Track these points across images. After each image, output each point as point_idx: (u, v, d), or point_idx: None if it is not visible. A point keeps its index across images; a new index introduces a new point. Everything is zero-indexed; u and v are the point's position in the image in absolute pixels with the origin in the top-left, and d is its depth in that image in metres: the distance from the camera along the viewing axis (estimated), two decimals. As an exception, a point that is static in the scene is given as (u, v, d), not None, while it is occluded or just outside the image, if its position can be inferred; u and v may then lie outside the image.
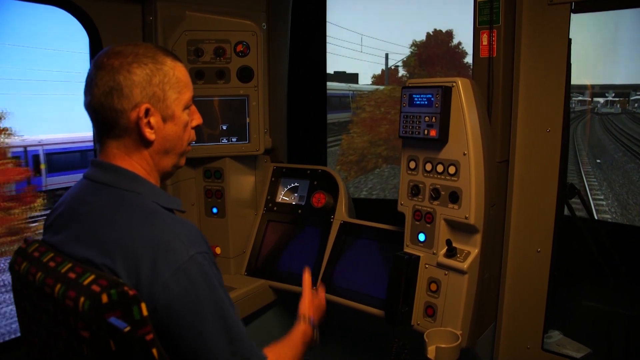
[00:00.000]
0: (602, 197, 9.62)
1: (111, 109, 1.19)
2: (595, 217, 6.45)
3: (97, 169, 1.26)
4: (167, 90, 1.24)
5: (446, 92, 1.69)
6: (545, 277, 1.86)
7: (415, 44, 13.54)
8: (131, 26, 2.18)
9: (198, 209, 2.43)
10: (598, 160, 12.12)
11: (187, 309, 1.12)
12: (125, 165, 1.25)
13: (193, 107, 1.35)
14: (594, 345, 2.03)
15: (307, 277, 1.83)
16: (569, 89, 1.82)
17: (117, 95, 1.18)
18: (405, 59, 13.86)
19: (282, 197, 2.51)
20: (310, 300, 1.74)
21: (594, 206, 8.75)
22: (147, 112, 1.21)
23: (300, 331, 1.55)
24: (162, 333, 1.11)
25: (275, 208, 2.51)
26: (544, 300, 1.87)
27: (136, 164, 1.26)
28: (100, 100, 1.19)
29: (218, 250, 2.44)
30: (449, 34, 12.99)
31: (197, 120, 1.37)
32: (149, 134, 1.23)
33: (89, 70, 1.22)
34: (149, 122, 1.22)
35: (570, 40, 1.76)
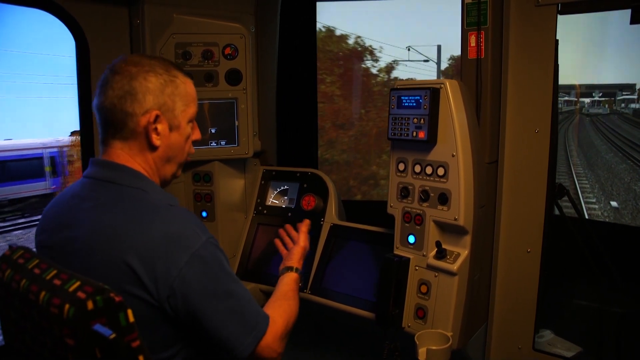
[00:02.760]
0: (594, 200, 9.38)
1: (122, 110, 1.25)
2: (586, 217, 6.46)
3: (99, 167, 1.29)
4: (177, 102, 1.32)
5: (434, 94, 1.69)
6: (536, 277, 1.87)
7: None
8: (118, 29, 2.17)
9: (188, 213, 2.41)
10: (614, 204, 9.24)
11: (203, 292, 1.19)
12: (129, 165, 1.29)
13: (195, 123, 1.44)
14: (585, 344, 2.04)
15: (304, 228, 1.98)
16: (557, 90, 1.83)
17: (131, 99, 1.25)
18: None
19: (272, 200, 2.50)
20: (302, 255, 1.88)
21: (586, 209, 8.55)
22: (156, 118, 1.27)
23: (293, 281, 1.69)
24: (179, 313, 1.18)
25: (265, 211, 2.50)
26: (534, 300, 1.88)
27: (139, 165, 1.31)
28: (114, 102, 1.25)
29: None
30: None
31: (197, 135, 1.47)
32: (156, 140, 1.29)
33: (105, 73, 1.29)
34: (156, 128, 1.28)
35: (557, 41, 1.77)
